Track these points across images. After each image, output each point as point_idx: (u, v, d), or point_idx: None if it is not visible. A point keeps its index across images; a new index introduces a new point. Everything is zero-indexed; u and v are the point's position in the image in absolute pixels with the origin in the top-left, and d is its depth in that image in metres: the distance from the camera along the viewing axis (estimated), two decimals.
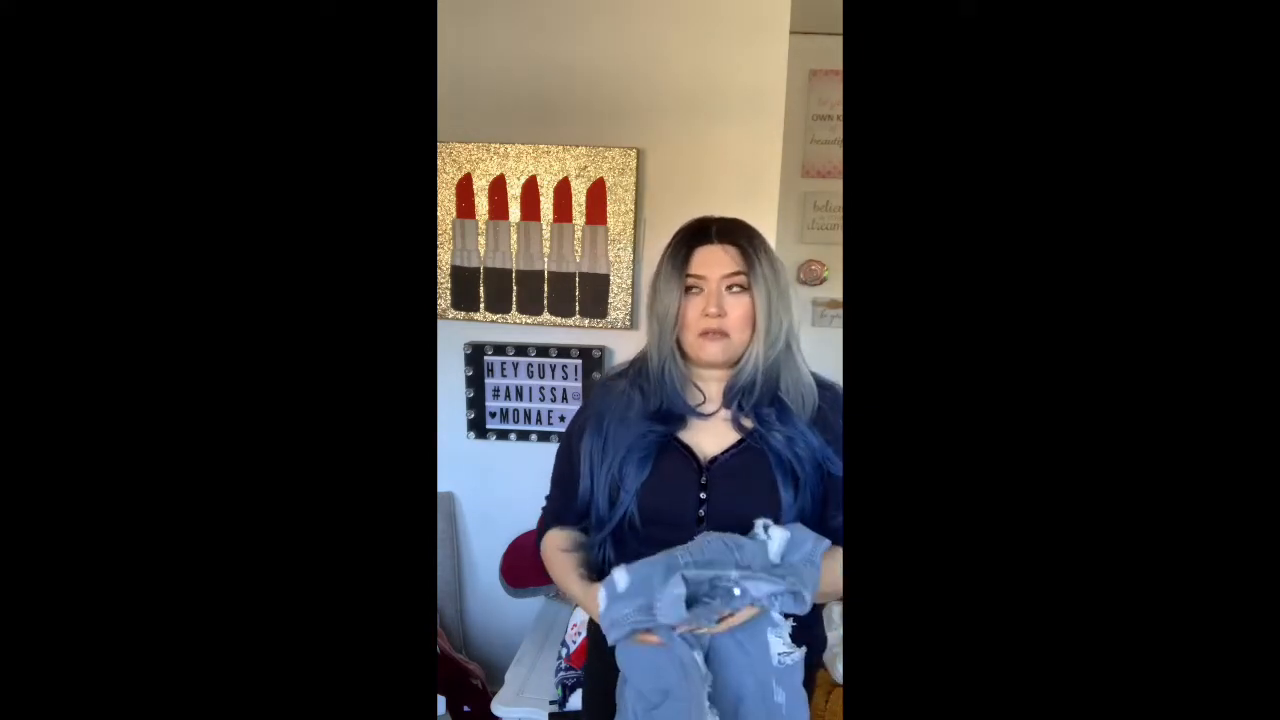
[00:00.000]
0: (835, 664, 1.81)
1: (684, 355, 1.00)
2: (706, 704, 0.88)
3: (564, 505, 1.08)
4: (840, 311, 2.57)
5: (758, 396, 0.98)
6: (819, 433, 0.98)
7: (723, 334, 0.96)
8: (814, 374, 1.03)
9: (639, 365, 1.05)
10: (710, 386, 1.02)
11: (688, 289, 0.97)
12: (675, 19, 1.69)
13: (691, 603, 0.86)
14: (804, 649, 0.92)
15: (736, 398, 0.99)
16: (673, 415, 1.00)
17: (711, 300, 0.96)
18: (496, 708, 1.54)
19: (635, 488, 0.97)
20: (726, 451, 0.99)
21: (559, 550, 1.05)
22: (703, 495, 0.97)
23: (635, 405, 1.01)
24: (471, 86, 1.74)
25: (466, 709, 1.69)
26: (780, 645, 0.92)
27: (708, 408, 1.01)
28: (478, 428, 1.90)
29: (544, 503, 1.15)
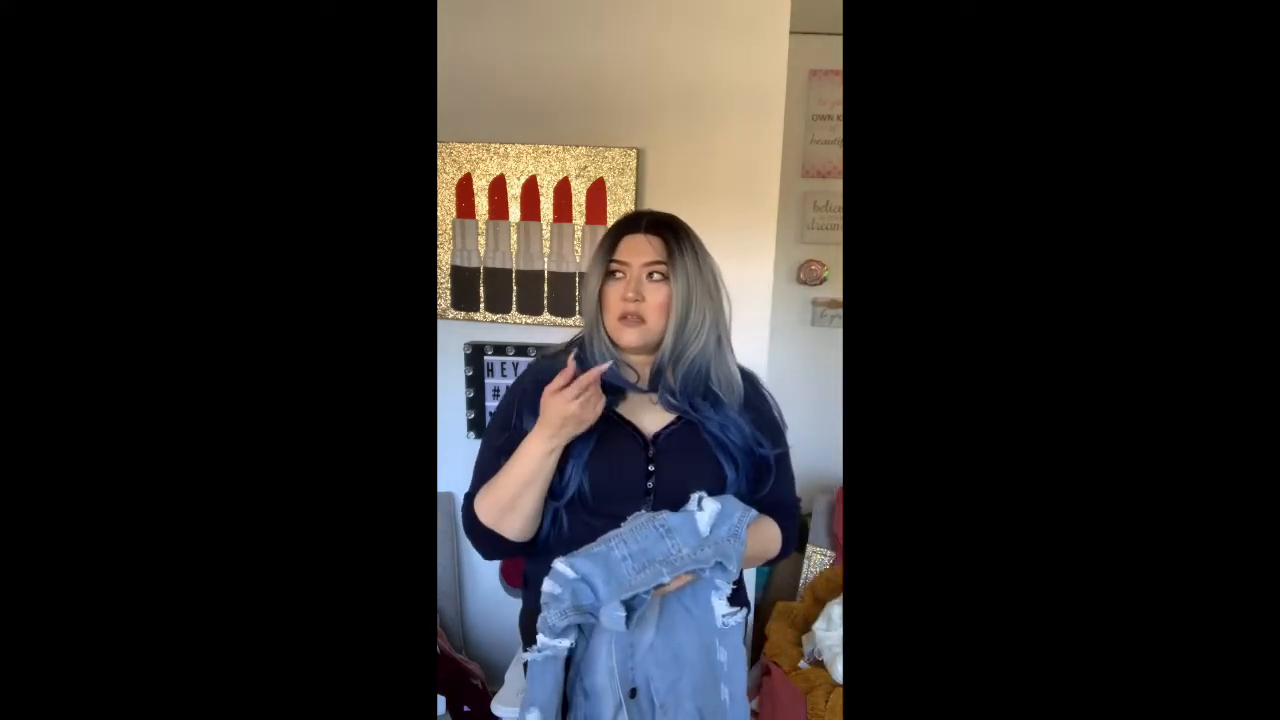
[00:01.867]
0: (835, 664, 1.81)
1: (609, 339, 1.04)
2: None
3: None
4: (840, 311, 2.57)
5: (690, 387, 1.03)
6: (747, 418, 1.04)
7: (639, 319, 1.00)
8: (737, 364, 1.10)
9: (575, 345, 1.08)
10: (640, 369, 1.06)
11: (611, 274, 1.02)
12: (675, 19, 1.69)
13: (630, 611, 0.91)
14: (745, 610, 0.97)
15: (661, 381, 1.04)
16: (613, 387, 1.02)
17: (630, 285, 1.00)
18: (496, 708, 1.54)
19: (585, 457, 0.99)
20: (667, 428, 1.03)
21: (491, 480, 1.00)
22: (650, 469, 1.01)
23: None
24: (471, 86, 1.74)
25: (466, 709, 1.69)
26: (724, 608, 0.97)
27: (641, 384, 1.05)
28: (478, 428, 1.90)
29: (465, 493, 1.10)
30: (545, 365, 1.07)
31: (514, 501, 0.97)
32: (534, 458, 0.95)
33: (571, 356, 0.95)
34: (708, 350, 1.02)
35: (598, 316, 1.03)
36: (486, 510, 1.00)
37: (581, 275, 1.79)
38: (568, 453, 0.99)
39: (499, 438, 1.04)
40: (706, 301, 1.02)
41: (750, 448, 1.04)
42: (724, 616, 0.97)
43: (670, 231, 1.02)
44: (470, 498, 1.07)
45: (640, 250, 1.01)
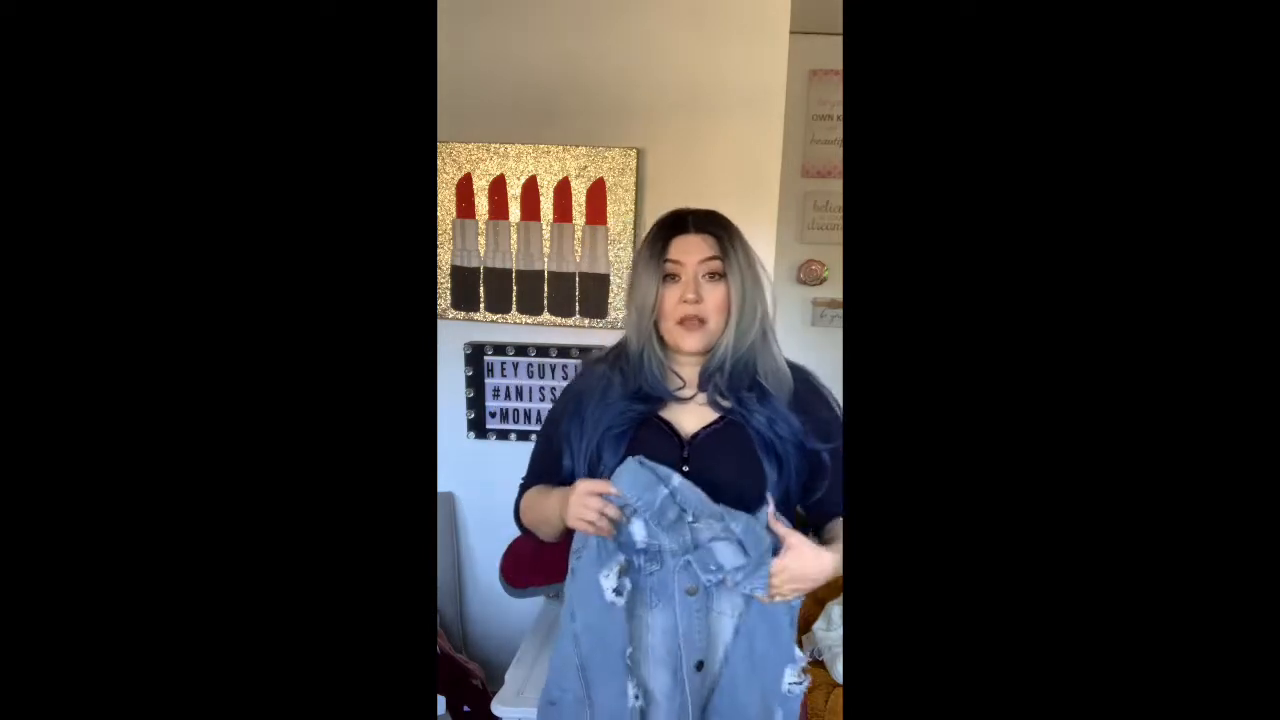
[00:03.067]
0: (835, 664, 1.81)
1: (661, 342, 1.02)
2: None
3: (545, 474, 1.10)
4: (840, 311, 2.57)
5: (736, 380, 1.00)
6: (797, 414, 1.01)
7: (700, 321, 0.98)
8: (786, 359, 1.07)
9: (619, 350, 1.06)
10: (686, 371, 1.04)
11: (666, 277, 0.99)
12: (675, 19, 1.69)
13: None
14: (809, 681, 0.96)
15: (711, 381, 1.01)
16: (652, 397, 1.01)
17: (689, 287, 0.98)
18: (496, 708, 1.54)
19: (614, 464, 0.98)
20: (707, 428, 1.01)
21: (540, 492, 1.08)
22: (685, 469, 0.99)
23: (615, 386, 1.02)
24: (471, 86, 1.74)
25: (466, 709, 1.69)
26: (792, 676, 0.96)
27: (685, 392, 1.03)
28: (478, 428, 1.90)
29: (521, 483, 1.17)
30: (589, 374, 1.07)
31: (538, 526, 1.09)
32: (553, 512, 1.00)
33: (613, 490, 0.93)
34: (755, 344, 1.01)
35: (651, 320, 1.00)
36: (525, 517, 1.12)
37: (582, 275, 1.79)
38: (598, 458, 0.99)
39: (545, 449, 1.11)
40: (758, 297, 1.00)
41: (800, 442, 1.00)
42: (790, 684, 0.95)
43: (719, 228, 1.00)
44: (521, 490, 1.14)
45: (694, 249, 0.98)
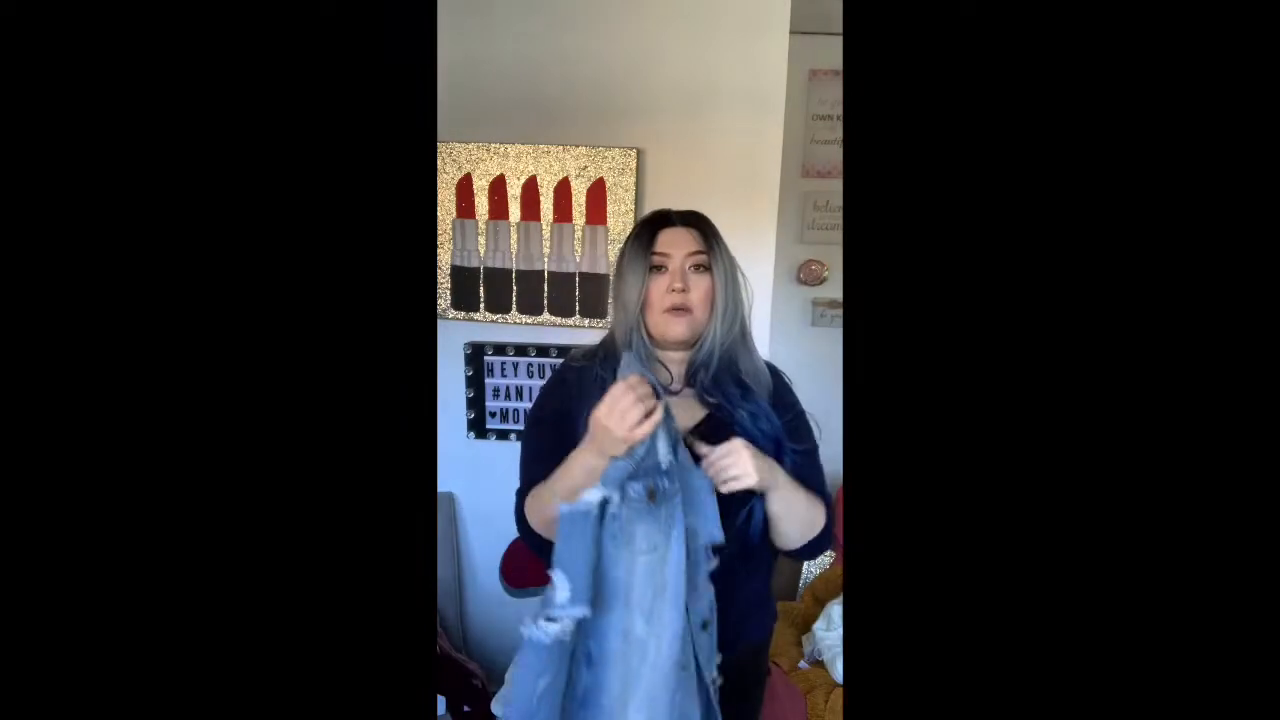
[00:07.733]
0: (835, 664, 1.81)
1: (649, 336, 1.03)
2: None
3: (545, 475, 1.02)
4: (840, 311, 2.57)
5: (721, 377, 1.02)
6: (777, 412, 1.03)
7: (687, 310, 1.00)
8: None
9: (606, 350, 1.07)
10: (674, 368, 1.05)
11: (653, 268, 1.01)
12: (675, 19, 1.69)
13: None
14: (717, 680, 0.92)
15: (698, 375, 1.03)
16: None
17: (676, 277, 1.00)
18: (496, 708, 1.54)
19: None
20: (698, 426, 1.02)
21: (543, 486, 0.98)
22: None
23: (606, 383, 0.99)
24: (471, 86, 1.74)
25: (466, 709, 1.69)
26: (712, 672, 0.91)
27: (674, 386, 1.05)
28: (478, 428, 1.90)
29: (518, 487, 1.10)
30: (581, 375, 1.05)
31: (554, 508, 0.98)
32: (579, 475, 0.92)
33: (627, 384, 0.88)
34: (736, 341, 1.03)
35: (637, 312, 1.02)
36: (536, 520, 1.01)
37: (582, 275, 1.79)
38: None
39: (539, 447, 1.03)
40: (736, 294, 1.03)
41: (780, 439, 1.02)
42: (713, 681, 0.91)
43: (704, 224, 1.04)
44: (521, 495, 1.06)
45: (681, 241, 1.01)
